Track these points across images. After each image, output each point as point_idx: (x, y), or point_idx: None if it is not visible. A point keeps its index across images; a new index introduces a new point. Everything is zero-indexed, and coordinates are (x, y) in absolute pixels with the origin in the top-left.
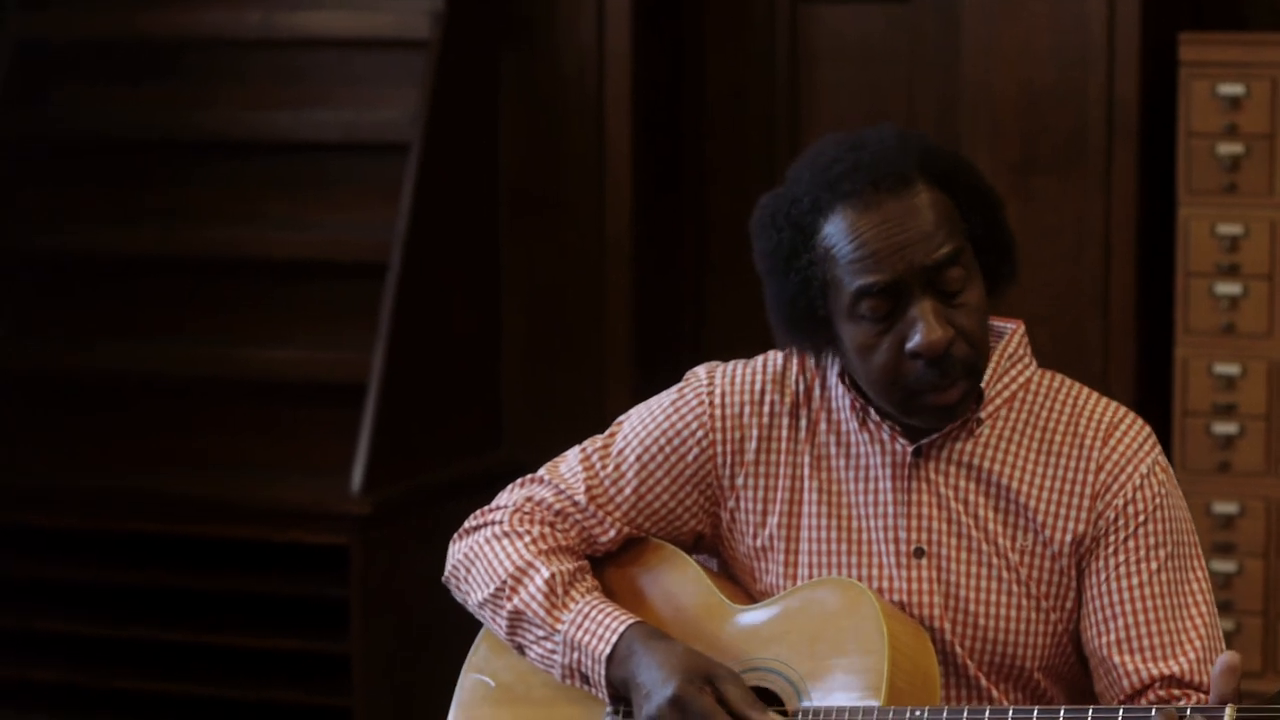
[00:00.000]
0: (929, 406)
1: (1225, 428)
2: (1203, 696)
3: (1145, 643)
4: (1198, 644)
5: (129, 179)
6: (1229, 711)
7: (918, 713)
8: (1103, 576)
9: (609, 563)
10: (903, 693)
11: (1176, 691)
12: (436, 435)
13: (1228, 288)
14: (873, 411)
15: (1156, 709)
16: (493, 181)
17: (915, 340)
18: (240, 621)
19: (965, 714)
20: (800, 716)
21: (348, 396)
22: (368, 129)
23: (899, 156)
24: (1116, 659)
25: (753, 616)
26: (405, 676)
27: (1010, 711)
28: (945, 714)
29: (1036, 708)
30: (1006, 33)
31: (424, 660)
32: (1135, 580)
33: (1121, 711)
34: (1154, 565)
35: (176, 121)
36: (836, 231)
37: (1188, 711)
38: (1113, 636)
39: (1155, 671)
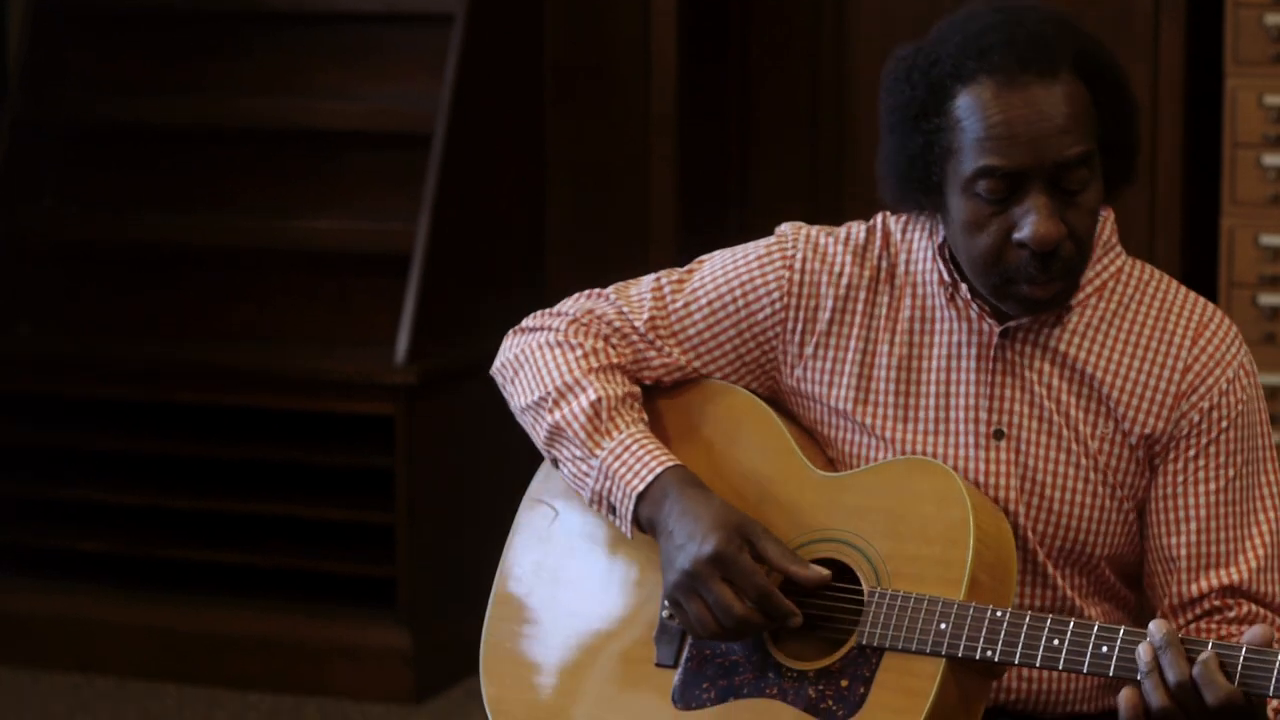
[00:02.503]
0: (1022, 296)
1: (1271, 299)
2: (1257, 608)
3: (1209, 549)
4: (1261, 552)
5: (176, 51)
6: None
7: (998, 613)
8: (1180, 479)
9: (670, 398)
10: (983, 586)
11: (1231, 601)
12: (481, 305)
13: (1275, 158)
14: (964, 288)
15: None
16: (537, 53)
17: (1025, 232)
18: (285, 491)
19: (1048, 621)
20: (878, 596)
21: (393, 266)
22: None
23: (1054, 41)
24: (1180, 563)
25: (833, 484)
26: (449, 546)
27: (1095, 627)
28: (1027, 618)
29: (1123, 627)
30: None
31: (468, 530)
32: (1212, 486)
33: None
34: (1230, 473)
35: None
36: (972, 103)
37: (1278, 658)
38: (1179, 539)
39: (1215, 581)
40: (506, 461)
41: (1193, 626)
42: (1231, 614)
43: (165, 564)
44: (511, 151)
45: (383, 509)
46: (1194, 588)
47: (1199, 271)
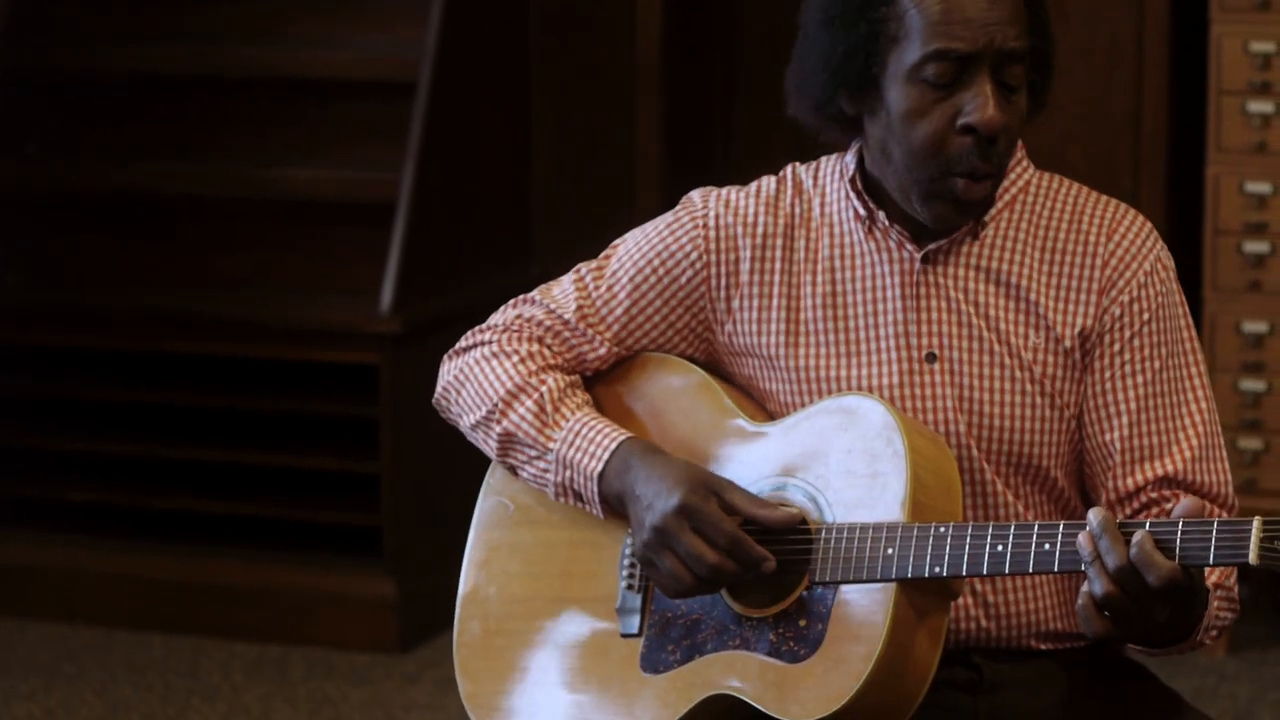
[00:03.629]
0: (954, 196)
1: (1256, 246)
2: (1191, 499)
3: (1142, 441)
4: (1195, 442)
5: (160, 0)
6: (1256, 523)
7: (940, 529)
8: (1108, 374)
9: (609, 379)
10: (926, 507)
11: (1169, 493)
12: (466, 254)
13: (1260, 105)
14: (881, 216)
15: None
16: (523, 1)
17: (973, 115)
18: (271, 441)
19: (990, 529)
20: (824, 533)
21: (378, 215)
22: None
23: None
24: (1115, 458)
25: (769, 432)
26: (434, 495)
27: (1036, 526)
28: (970, 529)
29: (1062, 522)
30: None
31: (453, 480)
32: (1139, 379)
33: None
34: (1156, 364)
35: None
36: None
37: (1214, 526)
38: (1113, 435)
39: (1150, 473)
40: None
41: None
42: (1169, 505)
43: (150, 513)
44: (496, 100)
45: (368, 458)
46: (1130, 481)
47: (1184, 219)
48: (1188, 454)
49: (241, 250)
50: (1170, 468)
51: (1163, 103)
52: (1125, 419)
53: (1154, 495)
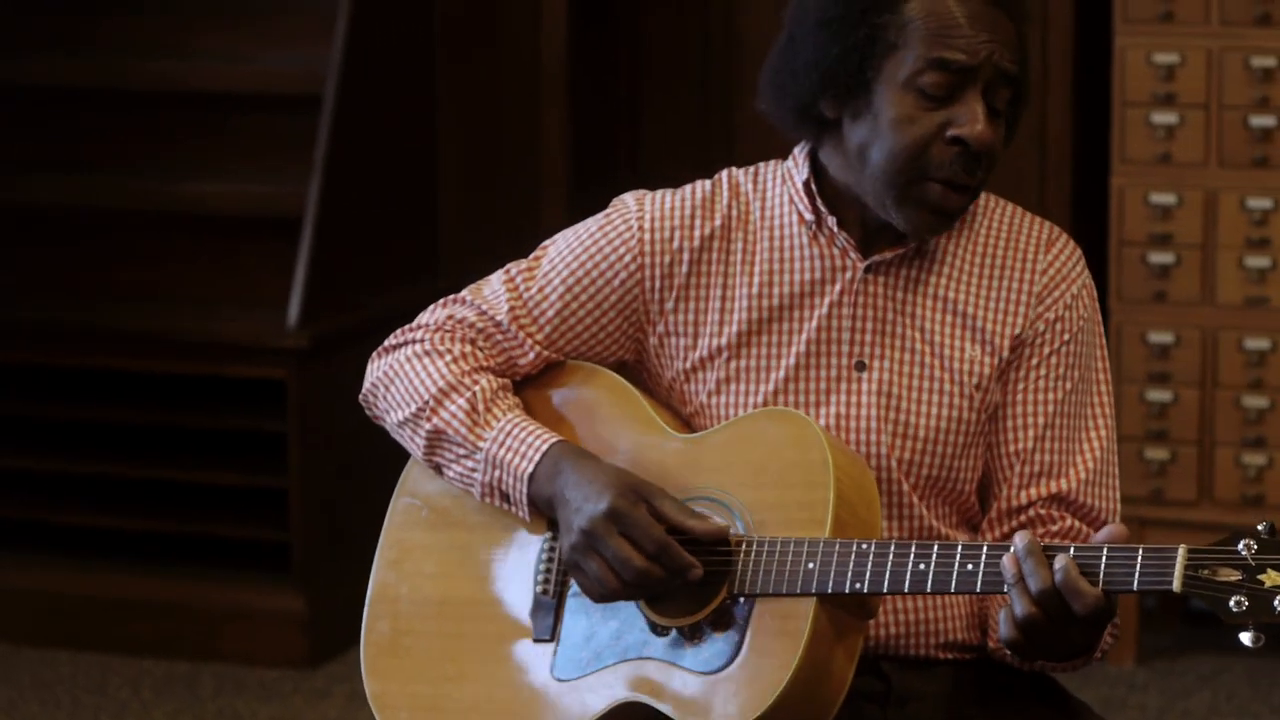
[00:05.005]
0: (931, 202)
1: (1161, 257)
2: (1078, 524)
3: (1041, 458)
4: (1090, 465)
5: (63, 10)
6: (1181, 551)
7: (863, 545)
8: (1020, 386)
9: (538, 384)
10: (847, 523)
11: (1055, 513)
12: (373, 267)
13: (1164, 117)
14: (831, 222)
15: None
16: (428, 12)
17: (965, 129)
18: (178, 456)
19: (912, 547)
20: (746, 545)
21: (284, 230)
22: None
23: None
24: (1014, 470)
25: (693, 444)
26: (342, 510)
27: (960, 546)
28: (892, 546)
29: (986, 543)
30: None
31: (361, 494)
32: (1049, 396)
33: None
34: (1067, 386)
35: None
36: (931, 3)
37: (1139, 553)
38: (1016, 447)
39: (1044, 489)
40: None
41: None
42: (1055, 526)
43: (55, 528)
44: (402, 114)
45: (276, 473)
46: (1023, 495)
47: (1089, 230)
48: (1082, 475)
49: (147, 264)
50: (1064, 487)
51: (1067, 114)
52: (1031, 433)
53: (1042, 512)
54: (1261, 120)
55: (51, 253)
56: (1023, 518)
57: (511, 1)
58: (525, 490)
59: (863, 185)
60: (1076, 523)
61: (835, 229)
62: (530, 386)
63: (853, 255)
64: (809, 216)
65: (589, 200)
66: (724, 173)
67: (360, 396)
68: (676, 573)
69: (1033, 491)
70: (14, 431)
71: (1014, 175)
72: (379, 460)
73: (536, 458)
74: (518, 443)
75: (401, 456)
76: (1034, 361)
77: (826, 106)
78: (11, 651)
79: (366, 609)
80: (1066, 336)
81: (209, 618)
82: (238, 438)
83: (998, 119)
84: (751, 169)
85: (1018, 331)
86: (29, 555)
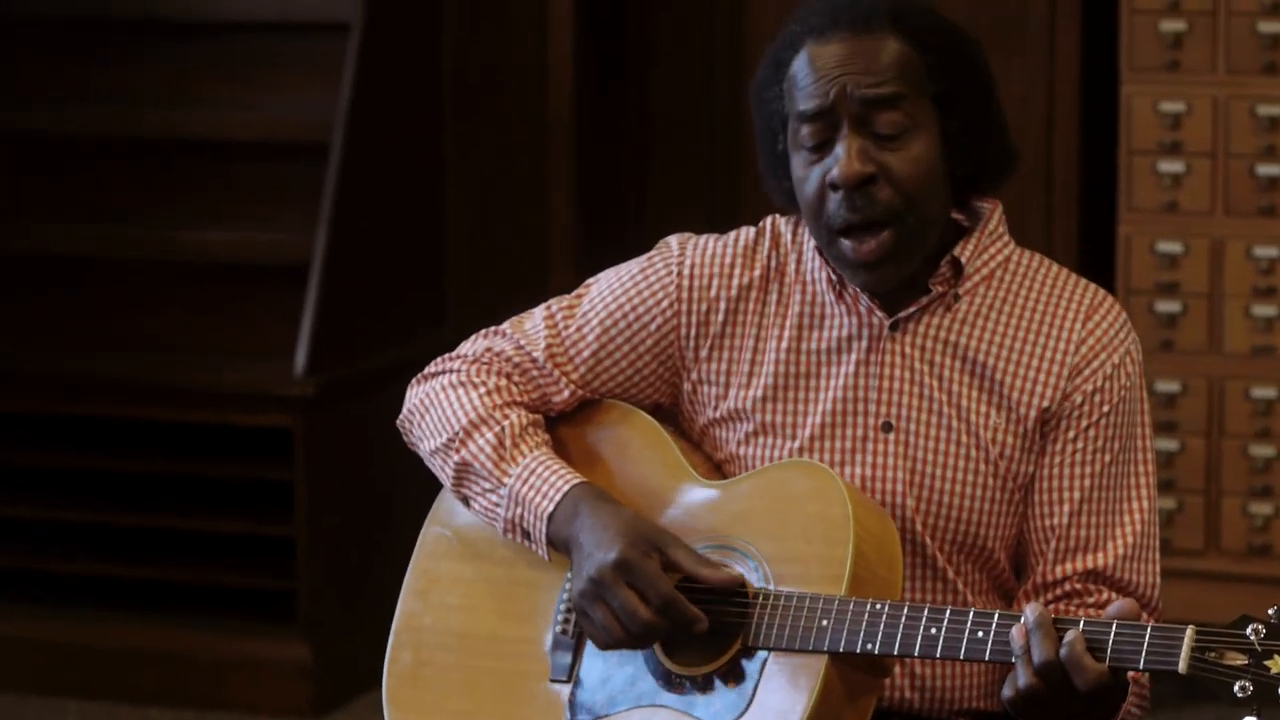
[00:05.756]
0: (848, 258)
1: (1168, 306)
2: (1114, 596)
3: (1079, 533)
4: (1129, 540)
5: (67, 59)
6: (1189, 632)
7: (878, 605)
8: (1058, 460)
9: (570, 422)
10: (865, 581)
11: (1093, 586)
12: (380, 316)
13: (1170, 165)
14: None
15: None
16: (435, 61)
17: (832, 171)
18: (184, 505)
19: (925, 610)
20: (762, 598)
21: (291, 278)
22: (306, 9)
23: (869, 2)
24: (1050, 544)
25: (718, 491)
26: (349, 560)
27: (971, 613)
28: (905, 609)
29: (998, 612)
30: None
31: (367, 544)
32: (1087, 470)
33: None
34: (1106, 458)
35: (114, 2)
36: (799, 64)
37: (1148, 631)
38: (1052, 521)
39: (1080, 564)
40: (407, 474)
41: (1050, 608)
42: (1091, 600)
43: (62, 578)
44: (409, 162)
45: (282, 522)
46: (1059, 569)
47: (1095, 278)
48: (1120, 551)
49: (154, 313)
50: (1101, 562)
51: (1073, 162)
52: (1068, 507)
53: (1079, 586)
54: (1268, 169)
55: (58, 301)
56: (1059, 591)
57: (519, 51)
58: (545, 529)
59: None
60: (1113, 595)
61: (856, 290)
62: (563, 423)
63: (878, 314)
64: (834, 275)
65: (597, 251)
66: (768, 220)
67: (397, 421)
68: (682, 625)
69: (1068, 567)
70: (20, 480)
71: (1021, 224)
72: (386, 509)
73: (557, 498)
74: (540, 481)
75: (409, 504)
76: (1070, 434)
77: (776, 178)
78: (18, 701)
79: (391, 637)
80: (1106, 408)
81: (215, 667)
82: (244, 486)
83: (891, 141)
84: (794, 219)
85: (1046, 405)
86: (35, 605)
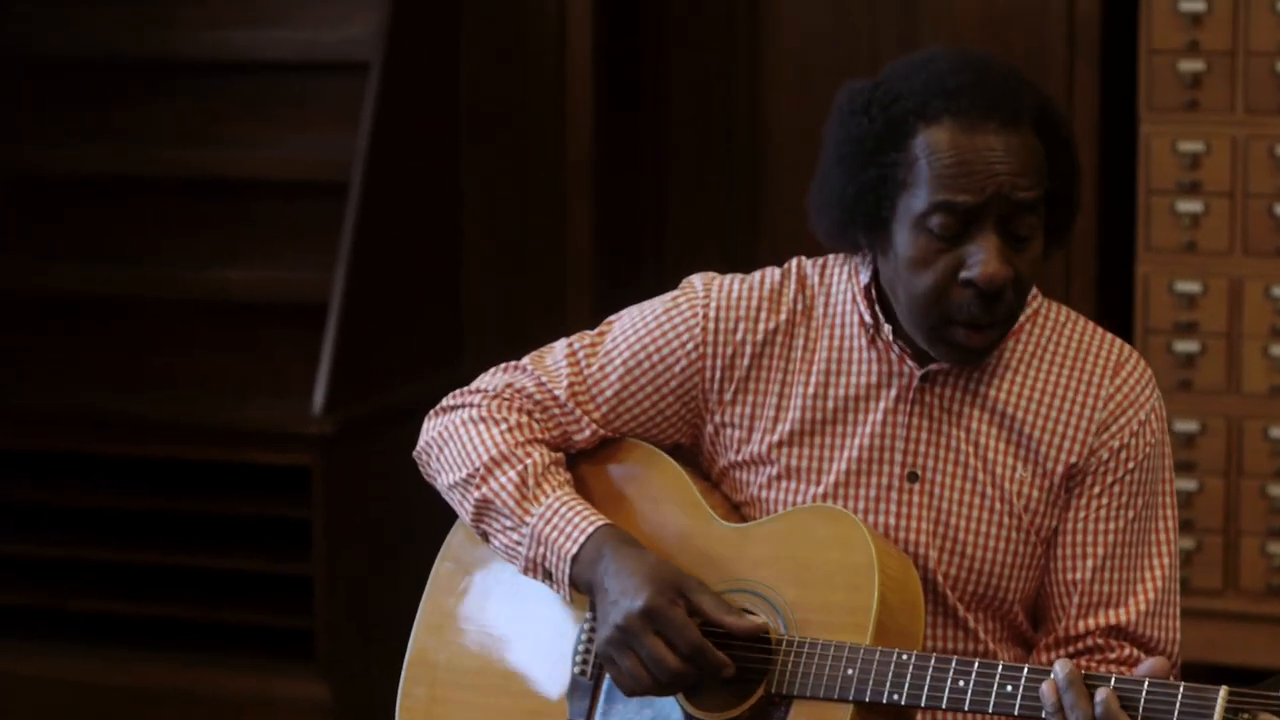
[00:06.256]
0: (957, 342)
1: (1186, 346)
2: (1137, 652)
3: (1102, 588)
4: (1151, 596)
5: (88, 98)
6: (1222, 693)
7: (904, 656)
8: (1082, 515)
9: (591, 461)
10: (889, 629)
11: (1114, 641)
12: (398, 354)
13: (1189, 205)
14: (886, 329)
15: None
16: (453, 100)
17: (975, 270)
18: (202, 543)
19: (953, 663)
20: (786, 645)
21: (309, 316)
22: (327, 48)
23: (1019, 94)
24: (1073, 599)
25: (740, 535)
26: (367, 598)
27: (1000, 667)
28: (932, 660)
29: (1027, 666)
30: None
31: (386, 582)
32: (1111, 526)
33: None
34: (1130, 514)
35: (137, 40)
36: (936, 141)
37: (1180, 691)
38: (1076, 575)
39: (1103, 619)
40: (425, 512)
41: (1074, 662)
42: (1113, 655)
43: (80, 616)
44: (428, 199)
45: (300, 560)
46: (1081, 624)
47: (1114, 318)
48: (1143, 607)
49: (173, 351)
50: (1123, 618)
51: (1092, 202)
52: (1091, 563)
53: (1100, 641)
54: None
55: (77, 340)
56: (1080, 645)
57: (537, 88)
58: (568, 571)
59: (899, 312)
60: (1135, 651)
61: (890, 338)
62: (583, 461)
63: (910, 363)
64: (868, 319)
65: (614, 287)
66: (793, 262)
67: (414, 453)
68: (710, 673)
69: (1090, 622)
70: (38, 518)
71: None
72: (404, 547)
73: (581, 539)
74: (564, 522)
75: (428, 542)
76: (1095, 490)
77: (859, 238)
78: None
79: (404, 672)
80: (1131, 465)
81: (233, 705)
82: (262, 524)
83: (1022, 243)
84: (820, 261)
85: (1073, 461)
86: (52, 643)
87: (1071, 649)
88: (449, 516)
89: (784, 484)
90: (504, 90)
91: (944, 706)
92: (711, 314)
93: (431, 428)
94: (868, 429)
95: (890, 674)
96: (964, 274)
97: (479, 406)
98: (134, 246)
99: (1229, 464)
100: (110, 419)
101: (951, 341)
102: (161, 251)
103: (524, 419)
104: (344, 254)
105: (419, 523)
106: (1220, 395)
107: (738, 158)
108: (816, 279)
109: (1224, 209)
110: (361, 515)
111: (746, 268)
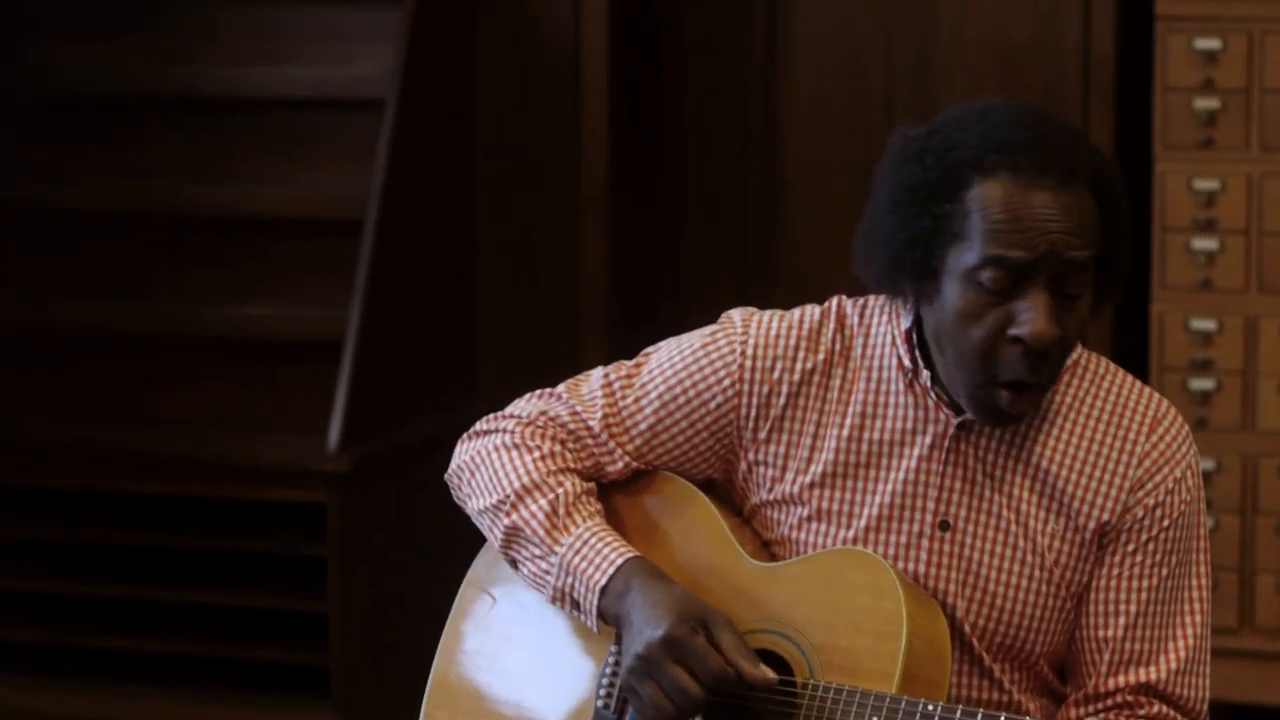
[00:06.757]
0: (998, 407)
1: (1202, 383)
2: (1166, 709)
3: (1133, 646)
4: (1182, 655)
5: (103, 135)
6: None
7: (929, 707)
8: (1115, 572)
9: (622, 491)
10: (916, 677)
11: (1144, 699)
12: (414, 391)
13: (1204, 243)
14: (924, 375)
15: None
16: (469, 137)
17: (1024, 328)
18: (218, 580)
19: (980, 716)
20: (810, 689)
21: (324, 353)
22: (342, 85)
23: (1077, 152)
24: (1104, 656)
25: (769, 574)
26: (383, 635)
27: None
28: (959, 713)
29: None
30: None
31: (402, 618)
32: (1144, 584)
33: None
34: (1164, 572)
35: (151, 77)
36: (991, 195)
37: None
38: (1108, 632)
39: (1133, 677)
40: (440, 549)
41: (1100, 718)
42: (1142, 712)
43: (96, 654)
44: (443, 236)
45: (316, 597)
46: (1110, 681)
47: (1129, 355)
48: (1174, 665)
49: (189, 388)
50: (1153, 676)
51: None
52: (1123, 620)
53: (1130, 699)
54: None
55: (93, 376)
56: (1109, 702)
57: (553, 126)
58: (596, 602)
59: (943, 364)
60: (1164, 708)
61: (929, 384)
62: (615, 492)
63: (946, 410)
64: (907, 363)
65: (630, 325)
66: (834, 302)
67: (446, 476)
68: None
69: (1121, 679)
70: (54, 555)
71: None
72: (420, 584)
73: (610, 571)
74: (593, 553)
75: (444, 579)
76: (1130, 547)
77: (906, 286)
78: None
79: (426, 697)
80: (1166, 523)
81: None
82: (278, 561)
83: (1071, 302)
84: (860, 301)
85: (1106, 518)
86: (68, 680)
87: (1101, 705)
88: (465, 552)
89: (815, 525)
90: (519, 126)
91: None
92: (750, 351)
93: (464, 451)
94: (901, 474)
95: None
96: (1012, 330)
97: (512, 433)
98: (151, 283)
99: (1244, 502)
100: (126, 455)
101: (992, 404)
102: (177, 288)
103: (557, 447)
104: (359, 291)
105: (434, 559)
106: (1235, 433)
107: (753, 192)
108: (856, 320)
109: (1239, 246)
110: (377, 552)
111: (761, 303)
